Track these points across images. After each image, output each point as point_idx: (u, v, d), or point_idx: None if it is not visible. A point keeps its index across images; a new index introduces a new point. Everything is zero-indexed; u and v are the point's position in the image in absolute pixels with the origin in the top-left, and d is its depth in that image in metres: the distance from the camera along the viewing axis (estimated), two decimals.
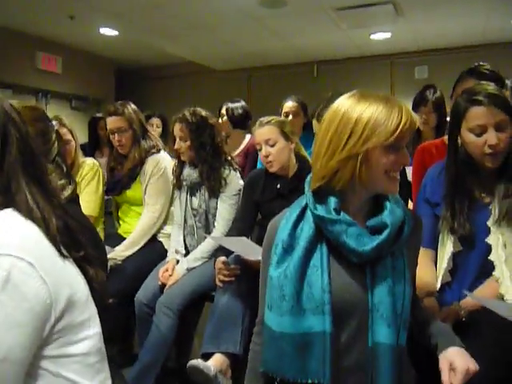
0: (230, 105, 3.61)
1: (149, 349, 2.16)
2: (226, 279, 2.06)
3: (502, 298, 1.56)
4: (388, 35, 5.38)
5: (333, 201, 1.19)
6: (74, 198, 1.39)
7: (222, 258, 2.13)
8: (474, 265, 1.68)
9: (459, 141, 1.68)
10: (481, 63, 2.31)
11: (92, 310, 0.93)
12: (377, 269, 1.18)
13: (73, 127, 2.84)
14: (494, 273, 1.61)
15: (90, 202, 2.75)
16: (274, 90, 6.26)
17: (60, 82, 6.34)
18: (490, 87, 1.65)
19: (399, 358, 1.14)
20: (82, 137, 3.97)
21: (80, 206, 1.42)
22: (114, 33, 5.55)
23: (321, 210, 1.19)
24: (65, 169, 1.38)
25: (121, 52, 6.49)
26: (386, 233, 1.17)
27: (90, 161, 2.87)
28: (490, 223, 1.64)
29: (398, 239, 1.18)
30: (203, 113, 2.52)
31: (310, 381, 1.13)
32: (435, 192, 1.79)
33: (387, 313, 1.13)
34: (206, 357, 1.90)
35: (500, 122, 1.59)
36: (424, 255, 1.77)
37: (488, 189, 1.68)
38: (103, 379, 0.91)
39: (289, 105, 3.52)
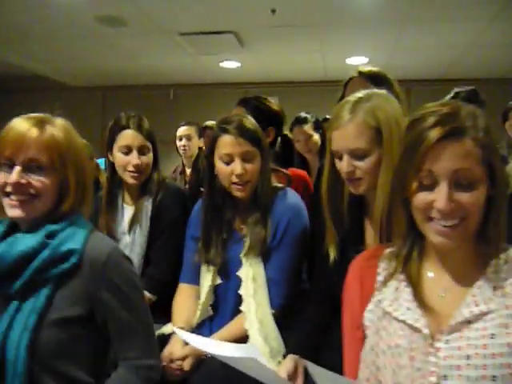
0: None
1: None
2: None
3: (245, 332, 1.52)
4: (238, 64, 5.50)
5: None
6: None
7: None
8: (232, 298, 1.64)
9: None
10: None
11: None
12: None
13: None
14: (241, 307, 1.58)
15: None
16: (130, 110, 6.09)
17: None
18: (244, 119, 1.62)
19: None
20: None
21: None
22: None
23: None
24: None
25: None
26: None
27: None
28: (241, 255, 1.61)
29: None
30: None
31: None
32: (198, 226, 1.73)
33: None
34: None
35: (246, 152, 1.57)
36: (185, 291, 1.73)
37: (244, 220, 1.65)
38: None
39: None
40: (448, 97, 2.40)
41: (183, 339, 1.43)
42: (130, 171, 1.85)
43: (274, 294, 1.57)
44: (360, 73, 2.00)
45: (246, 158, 1.57)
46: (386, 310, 0.99)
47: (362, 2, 3.77)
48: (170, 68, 5.73)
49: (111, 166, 1.92)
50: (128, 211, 1.92)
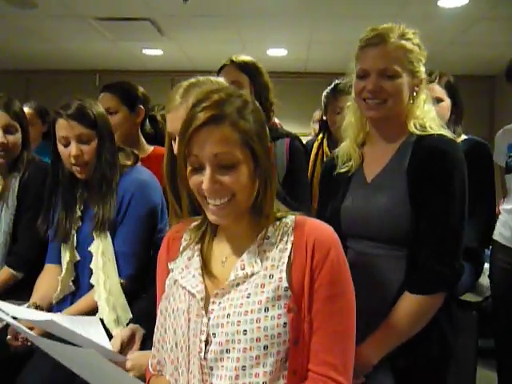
0: None
1: None
2: None
3: (95, 305, 1.61)
4: (160, 52, 5.51)
5: None
6: None
7: None
8: (88, 273, 1.70)
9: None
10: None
11: None
12: None
13: None
14: (91, 280, 1.66)
15: None
16: (55, 96, 5.94)
17: None
18: (83, 103, 1.68)
19: None
20: None
21: None
22: None
23: None
24: None
25: None
26: None
27: None
28: (94, 232, 1.68)
29: None
30: None
31: None
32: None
33: None
34: None
35: (81, 135, 1.65)
36: (48, 270, 1.81)
37: (93, 198, 1.72)
38: None
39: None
40: (329, 87, 2.56)
41: None
42: None
43: (122, 265, 1.67)
44: (232, 61, 2.11)
45: (81, 141, 1.66)
46: (175, 278, 1.09)
47: None
48: (92, 53, 5.68)
49: None
50: None
